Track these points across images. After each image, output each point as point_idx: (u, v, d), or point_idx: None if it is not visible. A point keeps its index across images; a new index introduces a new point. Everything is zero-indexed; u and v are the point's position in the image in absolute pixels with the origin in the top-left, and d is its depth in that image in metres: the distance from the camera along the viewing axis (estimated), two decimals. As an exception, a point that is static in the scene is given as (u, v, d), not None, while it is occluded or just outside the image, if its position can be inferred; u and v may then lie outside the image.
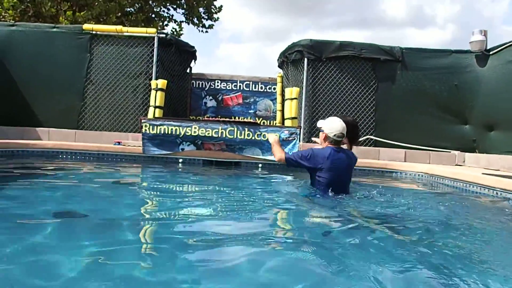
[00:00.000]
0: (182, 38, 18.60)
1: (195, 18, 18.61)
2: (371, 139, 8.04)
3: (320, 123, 3.91)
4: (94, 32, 7.94)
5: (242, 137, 6.05)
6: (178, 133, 6.02)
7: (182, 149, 6.10)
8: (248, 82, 9.29)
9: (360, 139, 7.99)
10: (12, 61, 7.86)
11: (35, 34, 7.93)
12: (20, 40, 7.89)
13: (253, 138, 6.06)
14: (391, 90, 8.14)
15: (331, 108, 8.08)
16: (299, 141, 6.13)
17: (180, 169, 5.85)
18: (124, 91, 7.94)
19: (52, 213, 2.65)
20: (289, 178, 5.27)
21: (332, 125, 3.74)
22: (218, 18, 18.96)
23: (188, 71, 9.18)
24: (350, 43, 8.10)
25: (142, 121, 6.04)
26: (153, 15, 16.56)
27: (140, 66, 8.02)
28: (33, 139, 7.36)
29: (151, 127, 6.03)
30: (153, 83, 6.97)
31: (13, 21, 10.17)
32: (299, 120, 8.03)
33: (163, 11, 18.08)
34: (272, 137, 4.52)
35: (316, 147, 3.88)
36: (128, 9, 15.89)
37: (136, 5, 15.77)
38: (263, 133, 6.06)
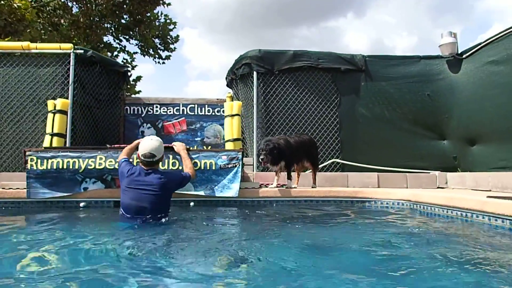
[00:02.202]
0: (143, 71, 17.15)
1: (151, 49, 17.27)
2: (337, 162, 6.57)
3: None
4: (-6, 51, 6.29)
5: (165, 167, 4.43)
6: (77, 167, 4.35)
7: (85, 189, 4.40)
8: (193, 105, 7.77)
9: (325, 163, 6.50)
10: None
11: None
12: None
13: (180, 167, 4.45)
14: (355, 104, 6.78)
15: (288, 127, 6.62)
16: (241, 167, 4.56)
17: (81, 215, 4.13)
18: (33, 121, 6.21)
19: None
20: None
21: (142, 145, 3.63)
22: (175, 48, 17.67)
23: (120, 95, 7.57)
24: (305, 52, 6.77)
25: (27, 153, 4.34)
26: (101, 45, 15.03)
27: (53, 90, 6.36)
28: None
29: (39, 161, 4.33)
30: (50, 103, 5.33)
31: None
32: (248, 142, 6.51)
33: (115, 41, 16.65)
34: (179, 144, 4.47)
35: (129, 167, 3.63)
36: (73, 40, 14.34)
37: (81, 35, 14.26)
38: (195, 161, 4.46)
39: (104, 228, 3.41)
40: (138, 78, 16.79)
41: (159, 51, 17.31)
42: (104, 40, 16.61)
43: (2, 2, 10.07)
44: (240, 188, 4.50)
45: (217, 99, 7.87)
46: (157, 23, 16.40)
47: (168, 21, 16.68)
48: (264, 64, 6.69)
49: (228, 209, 4.41)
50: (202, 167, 4.47)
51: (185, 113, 7.76)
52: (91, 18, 14.44)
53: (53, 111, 5.23)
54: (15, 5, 10.29)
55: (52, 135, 5.17)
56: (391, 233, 3.05)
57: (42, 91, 6.34)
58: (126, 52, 16.63)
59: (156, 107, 7.70)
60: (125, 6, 14.59)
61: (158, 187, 3.45)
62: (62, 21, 14.54)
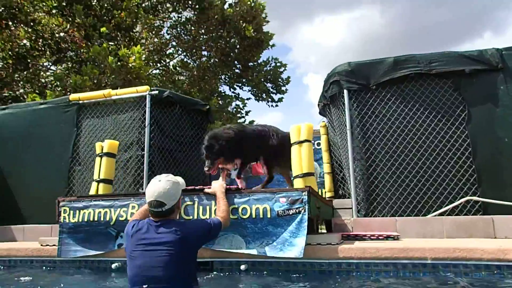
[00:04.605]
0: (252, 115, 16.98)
1: (263, 94, 17.04)
2: (473, 201, 4.48)
3: None
4: (81, 102, 6.24)
5: (207, 216, 3.25)
6: (108, 218, 3.50)
7: (120, 246, 3.49)
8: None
9: (455, 203, 4.50)
10: (0, 150, 6.45)
11: (24, 114, 6.54)
12: (8, 125, 6.53)
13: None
14: (494, 117, 4.68)
15: (395, 156, 4.86)
16: (308, 213, 3.08)
17: (112, 281, 3.21)
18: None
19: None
20: None
21: (147, 190, 2.63)
22: (286, 90, 17.12)
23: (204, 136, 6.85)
24: (410, 56, 5.04)
25: (60, 204, 3.67)
26: (215, 95, 15.26)
27: (131, 135, 5.95)
28: (8, 240, 5.52)
29: (71, 212, 3.63)
30: (97, 146, 4.72)
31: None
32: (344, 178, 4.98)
33: (230, 90, 16.89)
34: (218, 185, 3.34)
35: None
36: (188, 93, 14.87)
37: (196, 87, 14.70)
38: (243, 207, 3.19)
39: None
40: (251, 122, 16.53)
41: (271, 94, 16.97)
42: (220, 90, 17.05)
43: (118, 63, 10.79)
44: (307, 243, 3.02)
45: (310, 130, 6.52)
46: (268, 68, 16.18)
47: (278, 64, 16.33)
48: (357, 79, 5.17)
49: (288, 279, 2.95)
50: (254, 215, 3.16)
51: (274, 149, 6.59)
52: (204, 70, 14.88)
53: (100, 154, 4.66)
54: (130, 65, 10.94)
55: (99, 181, 4.56)
56: None
57: (122, 137, 5.97)
58: (239, 99, 16.67)
59: (243, 145, 6.73)
60: (232, 54, 14.67)
61: (174, 244, 2.45)
62: (180, 77, 15.35)
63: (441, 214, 4.49)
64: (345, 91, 5.18)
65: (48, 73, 13.32)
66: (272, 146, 4.20)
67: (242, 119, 17.13)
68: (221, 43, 14.62)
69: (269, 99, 17.01)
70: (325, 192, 6.16)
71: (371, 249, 3.02)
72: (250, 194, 3.22)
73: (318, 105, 6.45)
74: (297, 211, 3.07)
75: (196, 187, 3.48)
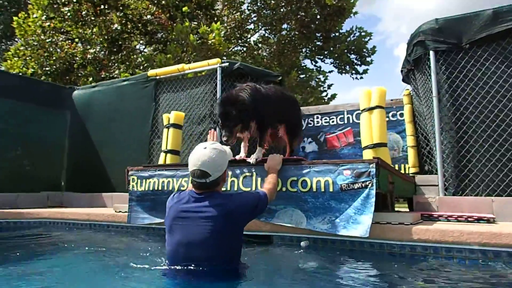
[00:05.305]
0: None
1: (347, 66, 16.14)
2: None
3: None
4: (158, 78, 6.42)
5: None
6: (171, 188, 3.48)
7: (182, 215, 3.47)
8: (360, 112, 6.03)
9: None
10: (91, 123, 7.01)
11: (109, 91, 6.97)
12: (98, 101, 7.03)
13: (286, 189, 2.97)
14: None
15: (493, 129, 4.11)
16: (376, 188, 2.68)
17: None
18: (187, 141, 5.92)
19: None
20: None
21: (190, 158, 2.32)
22: (372, 61, 15.99)
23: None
24: (515, 6, 4.15)
25: (129, 172, 3.77)
26: (295, 68, 14.81)
27: (204, 108, 5.96)
28: (99, 206, 6.04)
29: (139, 181, 3.70)
30: (165, 117, 4.71)
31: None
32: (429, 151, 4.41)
33: (312, 63, 16.29)
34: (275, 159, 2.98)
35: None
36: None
37: (275, 62, 14.42)
38: (303, 179, 2.91)
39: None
40: (333, 96, 15.83)
41: (355, 66, 16.00)
42: (301, 64, 16.54)
43: (199, 41, 10.98)
44: (373, 222, 2.65)
45: (392, 100, 5.89)
46: (351, 38, 15.21)
47: (362, 33, 15.25)
48: (445, 37, 4.42)
49: (353, 259, 2.63)
50: (315, 188, 2.86)
51: (350, 121, 6.11)
52: (283, 43, 14.50)
53: (167, 125, 4.66)
54: (209, 42, 11.05)
55: (166, 152, 4.59)
56: None
57: (195, 110, 6.03)
58: (320, 72, 16.01)
59: (317, 117, 6.36)
60: (312, 25, 14.01)
61: (217, 219, 2.16)
62: (259, 52, 15.19)
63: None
64: (431, 53, 4.49)
65: (139, 54, 14.18)
66: (296, 112, 3.71)
67: (324, 93, 16.51)
68: (301, 14, 14.06)
69: (353, 71, 16.07)
70: (409, 167, 5.54)
71: (453, 232, 2.54)
72: (311, 166, 2.91)
73: (401, 71, 5.76)
74: (363, 185, 2.70)
75: (247, 159, 3.22)
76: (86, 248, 3.20)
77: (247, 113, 3.02)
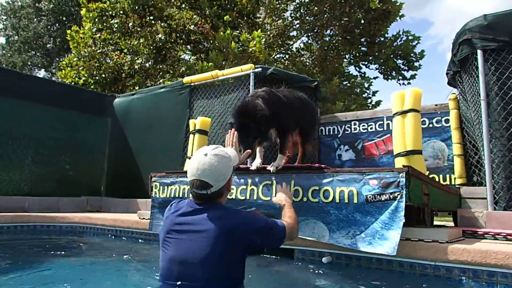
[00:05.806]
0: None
1: (393, 71, 15.44)
2: None
3: None
4: (193, 84, 6.42)
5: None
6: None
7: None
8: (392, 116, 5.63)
9: None
10: (129, 130, 7.16)
11: (147, 98, 7.09)
12: (136, 108, 7.18)
13: (307, 199, 2.74)
14: None
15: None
16: (405, 201, 2.37)
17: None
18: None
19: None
20: None
21: (188, 166, 2.07)
22: (420, 65, 15.19)
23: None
24: None
25: (152, 179, 3.71)
26: (337, 74, 14.38)
27: (236, 114, 5.85)
28: (134, 212, 6.11)
29: (161, 188, 3.62)
30: (192, 123, 4.62)
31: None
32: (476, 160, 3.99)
33: (356, 69, 15.76)
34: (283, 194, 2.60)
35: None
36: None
37: (317, 68, 14.11)
38: (325, 188, 2.66)
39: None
40: (378, 103, 15.19)
41: (402, 71, 15.26)
42: (345, 70, 16.07)
43: (240, 48, 10.98)
44: (403, 238, 2.34)
45: (436, 105, 5.44)
46: (398, 43, 14.55)
47: (410, 37, 14.53)
48: (496, 35, 3.98)
49: (379, 280, 2.34)
50: (338, 199, 2.60)
51: (390, 128, 5.72)
52: (326, 49, 14.17)
53: (193, 131, 4.58)
54: (250, 49, 11.03)
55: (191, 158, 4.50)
56: None
57: (228, 116, 5.93)
58: (364, 78, 15.44)
59: (355, 124, 6.02)
60: (356, 30, 13.56)
61: (217, 236, 1.87)
62: (302, 59, 14.95)
63: None
64: (479, 52, 4.06)
65: (183, 63, 14.50)
66: (309, 112, 3.47)
67: (369, 100, 15.90)
68: (344, 20, 13.67)
69: (400, 77, 15.33)
70: (455, 178, 5.06)
71: (497, 253, 2.18)
72: (334, 174, 2.65)
73: (447, 74, 5.30)
74: (391, 196, 2.41)
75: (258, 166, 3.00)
76: (102, 253, 3.16)
77: (266, 123, 2.77)
